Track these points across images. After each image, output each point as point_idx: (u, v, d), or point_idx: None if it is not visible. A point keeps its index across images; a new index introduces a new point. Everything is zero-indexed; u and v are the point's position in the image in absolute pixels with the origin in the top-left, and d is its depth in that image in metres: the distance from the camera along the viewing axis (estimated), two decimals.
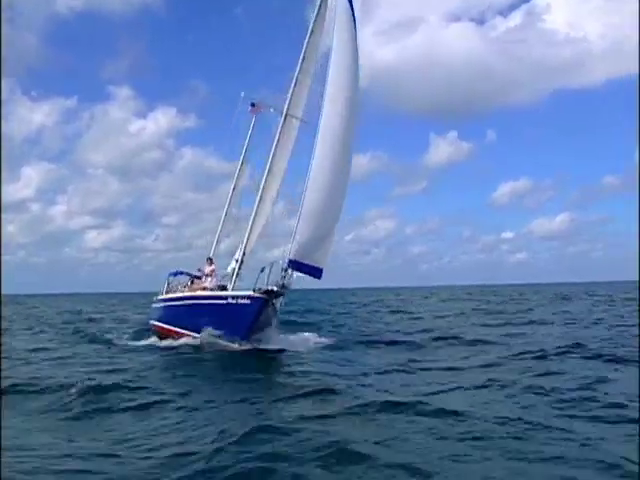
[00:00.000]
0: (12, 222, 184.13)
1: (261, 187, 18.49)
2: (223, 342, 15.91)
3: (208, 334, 16.07)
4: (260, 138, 21.87)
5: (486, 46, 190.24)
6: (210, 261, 19.73)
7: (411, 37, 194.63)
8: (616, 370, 11.50)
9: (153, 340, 18.97)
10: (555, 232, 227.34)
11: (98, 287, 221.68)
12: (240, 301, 15.86)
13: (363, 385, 10.48)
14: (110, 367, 13.24)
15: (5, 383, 10.52)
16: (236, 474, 5.65)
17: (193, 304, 17.73)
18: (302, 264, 15.86)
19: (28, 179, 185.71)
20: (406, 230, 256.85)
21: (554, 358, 13.21)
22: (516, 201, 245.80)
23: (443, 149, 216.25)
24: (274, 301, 16.05)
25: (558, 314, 28.60)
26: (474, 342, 16.92)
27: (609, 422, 7.54)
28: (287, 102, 18.58)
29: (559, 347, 14.53)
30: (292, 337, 17.84)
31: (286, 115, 18.60)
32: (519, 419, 7.53)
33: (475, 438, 6.80)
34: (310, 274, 16.24)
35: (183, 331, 17.93)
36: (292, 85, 18.54)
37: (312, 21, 18.24)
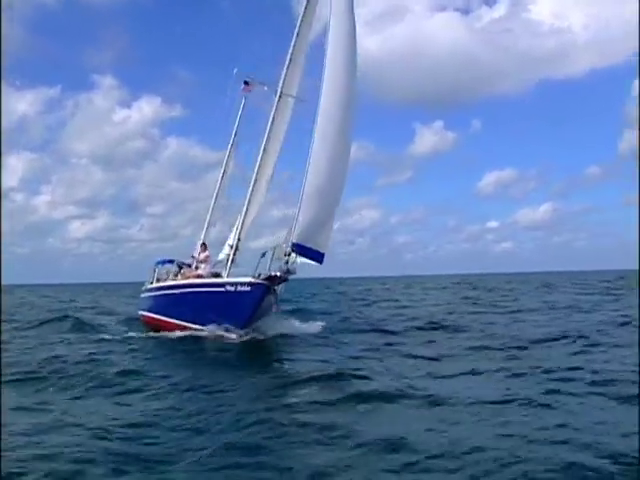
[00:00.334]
0: None
1: (256, 167, 17.55)
2: (220, 332, 15.02)
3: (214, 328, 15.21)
4: (249, 120, 21.10)
5: (472, 36, 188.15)
6: (204, 247, 18.59)
7: (396, 27, 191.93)
8: (602, 352, 11.96)
9: (144, 331, 17.83)
10: (539, 222, 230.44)
11: (81, 277, 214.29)
12: (240, 288, 14.96)
13: (358, 369, 10.39)
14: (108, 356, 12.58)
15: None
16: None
17: (187, 292, 16.67)
18: (306, 247, 15.09)
19: (11, 169, 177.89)
20: (391, 220, 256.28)
21: (539, 344, 13.40)
22: (501, 191, 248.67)
23: (429, 139, 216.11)
24: (275, 287, 15.24)
25: (543, 302, 28.67)
26: (460, 329, 17.03)
27: (598, 399, 7.90)
28: (282, 79, 17.78)
29: (544, 334, 14.77)
30: (295, 324, 17.21)
31: (281, 93, 17.78)
32: (507, 401, 7.79)
33: (458, 422, 6.91)
34: (313, 259, 15.47)
35: (175, 321, 16.87)
36: (286, 62, 17.75)
37: None
